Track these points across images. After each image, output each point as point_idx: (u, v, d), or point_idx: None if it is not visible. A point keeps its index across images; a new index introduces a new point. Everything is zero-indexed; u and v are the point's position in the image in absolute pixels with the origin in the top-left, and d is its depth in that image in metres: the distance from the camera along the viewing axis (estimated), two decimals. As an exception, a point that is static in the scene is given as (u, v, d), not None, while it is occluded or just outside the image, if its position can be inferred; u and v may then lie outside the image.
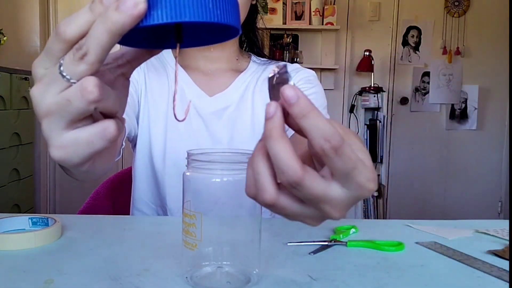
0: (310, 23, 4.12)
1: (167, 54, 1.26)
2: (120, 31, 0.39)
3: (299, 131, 0.42)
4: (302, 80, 1.25)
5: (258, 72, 1.27)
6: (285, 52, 4.11)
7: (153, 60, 1.25)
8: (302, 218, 0.48)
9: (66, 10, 4.05)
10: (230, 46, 1.24)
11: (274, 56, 4.06)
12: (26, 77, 3.62)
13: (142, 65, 1.20)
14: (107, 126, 0.44)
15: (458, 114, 4.42)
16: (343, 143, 0.41)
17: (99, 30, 0.39)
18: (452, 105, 4.40)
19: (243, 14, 1.15)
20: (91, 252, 0.78)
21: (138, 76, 1.20)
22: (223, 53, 1.23)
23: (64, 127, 0.43)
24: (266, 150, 0.43)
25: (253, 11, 1.27)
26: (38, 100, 0.43)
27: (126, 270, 0.70)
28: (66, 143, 0.44)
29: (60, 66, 0.41)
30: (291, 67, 1.28)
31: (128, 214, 1.30)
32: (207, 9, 0.41)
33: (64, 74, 0.41)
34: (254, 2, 1.26)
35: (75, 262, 0.73)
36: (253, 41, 1.34)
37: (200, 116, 1.18)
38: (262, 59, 1.31)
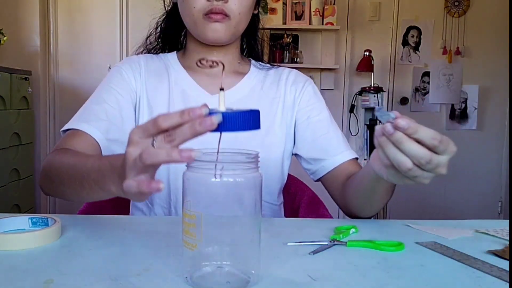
0: (310, 23, 4.12)
1: (171, 56, 1.30)
2: (198, 135, 0.60)
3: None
4: (312, 93, 1.31)
5: (259, 76, 1.31)
6: (285, 52, 4.11)
7: (155, 62, 1.28)
8: (425, 180, 0.74)
9: (66, 10, 4.05)
10: (233, 51, 1.28)
11: (274, 56, 4.06)
12: (26, 77, 3.62)
13: (142, 71, 1.24)
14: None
15: (458, 114, 4.42)
16: (441, 137, 0.69)
17: (186, 131, 0.60)
18: (452, 105, 4.40)
19: (244, 22, 1.20)
20: (91, 252, 0.78)
21: (135, 82, 1.23)
22: (225, 56, 1.26)
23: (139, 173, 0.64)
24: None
25: (254, 20, 1.31)
26: (131, 155, 0.63)
27: (126, 270, 0.70)
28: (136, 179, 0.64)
29: (153, 141, 0.62)
30: (302, 78, 1.34)
31: (128, 214, 1.30)
32: (249, 124, 0.62)
33: (155, 146, 0.61)
34: (256, 12, 1.30)
35: (75, 262, 0.73)
36: (254, 48, 1.39)
37: None
38: (261, 63, 1.35)
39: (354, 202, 1.10)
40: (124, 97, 1.20)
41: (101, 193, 0.80)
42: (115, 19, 4.08)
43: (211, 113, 0.61)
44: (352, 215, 1.13)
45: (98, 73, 3.99)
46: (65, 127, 1.13)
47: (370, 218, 1.11)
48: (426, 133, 0.68)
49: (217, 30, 1.14)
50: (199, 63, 0.68)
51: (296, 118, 1.28)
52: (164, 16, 1.34)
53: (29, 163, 3.76)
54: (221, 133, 0.62)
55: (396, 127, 0.68)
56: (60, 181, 0.93)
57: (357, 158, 1.24)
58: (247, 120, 0.62)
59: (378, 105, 4.07)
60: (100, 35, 4.09)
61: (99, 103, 1.17)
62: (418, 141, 0.69)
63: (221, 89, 0.66)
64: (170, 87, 1.23)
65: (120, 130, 1.17)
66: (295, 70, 1.36)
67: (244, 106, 1.22)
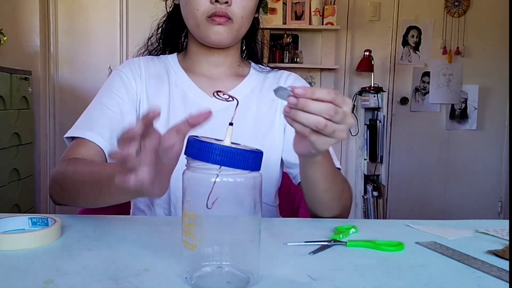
0: (310, 23, 4.12)
1: (171, 58, 1.31)
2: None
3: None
4: None
5: (259, 79, 1.32)
6: (285, 52, 4.11)
7: (155, 64, 1.28)
8: (342, 133, 0.80)
9: (66, 10, 4.06)
10: (233, 53, 1.29)
11: (274, 56, 4.05)
12: (26, 77, 3.62)
13: (142, 74, 1.24)
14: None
15: (458, 114, 4.42)
16: (335, 91, 0.77)
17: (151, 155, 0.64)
18: (452, 105, 4.40)
19: (246, 26, 1.21)
20: (90, 252, 0.78)
21: (136, 85, 1.24)
22: (226, 58, 1.28)
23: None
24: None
25: (254, 23, 1.32)
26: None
27: (126, 270, 0.70)
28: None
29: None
30: (300, 82, 1.35)
31: (128, 214, 1.31)
32: (248, 164, 0.63)
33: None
34: (256, 15, 1.31)
35: (75, 262, 0.73)
36: (254, 51, 1.39)
37: None
38: (261, 66, 1.36)
39: (307, 202, 1.10)
40: (125, 102, 1.21)
41: (120, 196, 0.86)
42: (115, 19, 4.09)
43: (196, 140, 0.63)
44: (316, 216, 1.12)
45: (98, 73, 3.99)
46: (68, 135, 1.14)
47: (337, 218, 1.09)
48: (322, 92, 0.76)
49: (220, 33, 1.15)
50: (216, 95, 0.71)
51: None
52: (165, 18, 1.34)
53: (29, 163, 3.76)
54: (220, 166, 0.62)
55: (297, 96, 0.75)
56: (76, 190, 0.97)
57: (339, 168, 1.22)
58: (247, 159, 0.63)
59: (379, 105, 4.08)
60: (100, 35, 4.09)
61: (101, 108, 1.18)
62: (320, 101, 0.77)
63: (231, 123, 0.69)
64: (171, 89, 1.24)
65: None
66: (294, 74, 1.36)
67: (242, 111, 1.22)
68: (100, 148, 1.12)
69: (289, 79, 1.33)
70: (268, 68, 1.37)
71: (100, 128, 1.13)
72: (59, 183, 1.03)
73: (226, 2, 1.13)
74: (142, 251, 0.79)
